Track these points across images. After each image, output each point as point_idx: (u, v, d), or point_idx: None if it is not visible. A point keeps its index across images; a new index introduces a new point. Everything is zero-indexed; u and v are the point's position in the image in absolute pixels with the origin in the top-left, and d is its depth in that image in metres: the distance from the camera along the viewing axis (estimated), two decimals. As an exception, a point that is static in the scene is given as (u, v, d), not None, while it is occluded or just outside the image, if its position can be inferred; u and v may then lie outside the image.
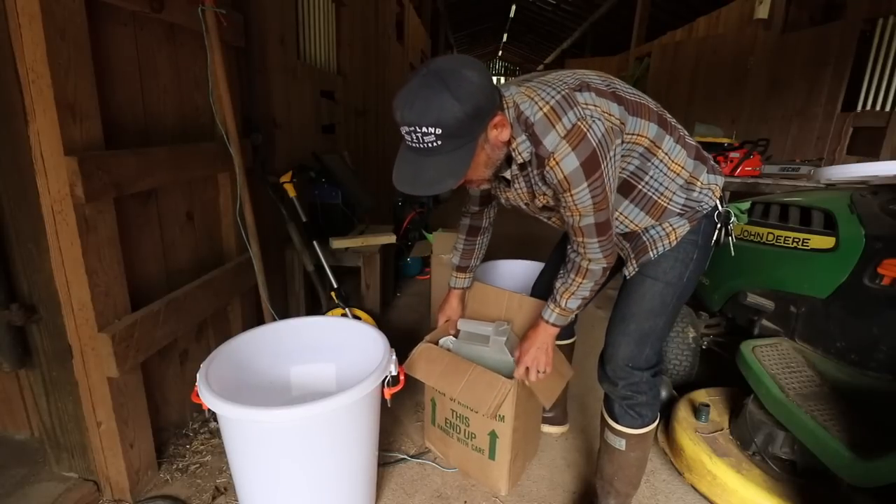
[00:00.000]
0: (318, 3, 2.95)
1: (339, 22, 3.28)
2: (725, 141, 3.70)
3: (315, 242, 2.20)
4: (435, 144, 0.92)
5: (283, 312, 2.42)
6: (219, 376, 1.21)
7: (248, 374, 1.38)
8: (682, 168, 1.12)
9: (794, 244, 1.63)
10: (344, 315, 2.15)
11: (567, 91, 0.99)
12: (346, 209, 2.62)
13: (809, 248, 1.58)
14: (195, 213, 1.74)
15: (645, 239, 1.19)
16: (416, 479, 1.59)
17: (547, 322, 1.28)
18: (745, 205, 1.29)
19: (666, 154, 1.10)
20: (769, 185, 2.79)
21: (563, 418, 1.85)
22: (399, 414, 1.91)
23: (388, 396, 1.27)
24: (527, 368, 1.32)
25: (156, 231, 1.55)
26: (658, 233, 1.17)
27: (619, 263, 1.28)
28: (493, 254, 3.15)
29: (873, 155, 4.26)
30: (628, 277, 1.25)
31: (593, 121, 0.96)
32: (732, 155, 3.19)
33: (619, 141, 1.02)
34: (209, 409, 1.11)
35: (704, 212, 1.17)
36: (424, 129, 0.90)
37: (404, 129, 0.93)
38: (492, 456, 1.49)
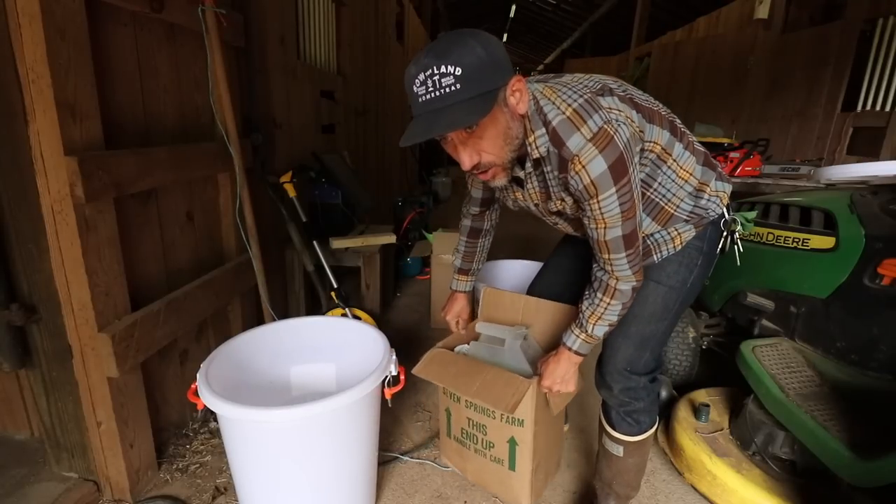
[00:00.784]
0: (318, 3, 2.95)
1: (339, 22, 3.28)
2: (725, 141, 3.71)
3: (315, 242, 2.20)
4: (453, 88, 0.83)
5: (283, 312, 2.42)
6: (219, 376, 1.21)
7: (248, 374, 1.38)
8: (691, 175, 1.09)
9: (795, 244, 1.63)
10: (344, 315, 2.15)
11: (590, 95, 0.95)
12: (346, 209, 2.62)
13: (809, 248, 1.58)
14: (195, 213, 1.74)
15: (649, 242, 1.16)
16: (416, 479, 1.59)
17: (570, 350, 1.19)
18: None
19: (675, 161, 1.07)
20: (769, 185, 2.79)
21: (564, 418, 1.85)
22: (399, 414, 1.91)
23: (388, 396, 1.27)
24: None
25: (156, 231, 1.55)
26: (663, 237, 1.15)
27: None
28: (493, 254, 3.16)
29: (873, 155, 4.27)
30: None
31: (619, 124, 0.92)
32: (732, 155, 3.19)
33: (639, 148, 0.99)
34: (205, 408, 1.11)
35: (711, 218, 1.15)
36: (443, 69, 0.82)
37: (419, 80, 0.85)
38: (511, 466, 1.41)
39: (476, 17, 15.29)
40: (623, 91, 1.02)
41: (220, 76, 1.68)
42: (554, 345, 1.29)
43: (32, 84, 1.10)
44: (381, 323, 2.52)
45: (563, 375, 1.22)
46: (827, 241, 1.53)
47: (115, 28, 1.34)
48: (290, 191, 2.13)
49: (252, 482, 1.18)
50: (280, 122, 2.32)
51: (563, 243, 1.52)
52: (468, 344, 1.56)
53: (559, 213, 1.15)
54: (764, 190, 2.76)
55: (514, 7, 14.09)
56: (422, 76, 0.85)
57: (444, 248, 2.71)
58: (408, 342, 2.58)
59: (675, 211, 1.11)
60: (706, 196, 1.12)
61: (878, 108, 4.38)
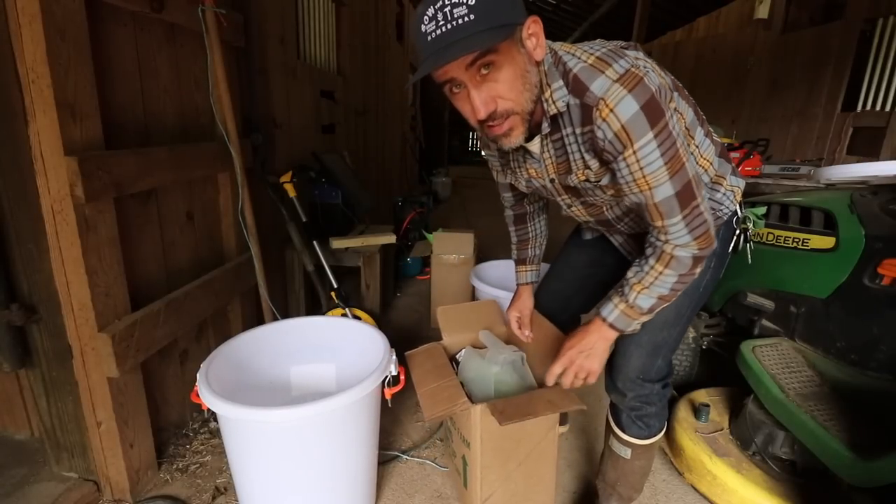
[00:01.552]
0: (318, 3, 2.95)
1: (339, 22, 3.28)
2: (725, 141, 3.71)
3: (315, 242, 2.20)
4: (467, 19, 0.75)
5: (283, 312, 2.41)
6: (219, 376, 1.21)
7: (248, 374, 1.38)
8: (710, 165, 1.04)
9: (794, 244, 1.63)
10: (344, 315, 2.15)
11: (614, 46, 0.88)
12: (346, 209, 2.62)
13: (809, 248, 1.58)
14: (195, 213, 1.74)
15: None
16: (416, 479, 1.59)
17: (604, 321, 1.03)
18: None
19: (697, 147, 1.00)
20: (769, 185, 2.79)
21: (564, 418, 1.85)
22: (399, 414, 1.91)
23: (388, 396, 1.27)
24: (564, 370, 1.10)
25: (156, 231, 1.55)
26: None
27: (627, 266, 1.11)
28: (496, 253, 3.16)
29: (873, 155, 4.27)
30: None
31: (647, 70, 0.83)
32: (732, 155, 3.19)
33: (673, 106, 0.88)
34: (209, 409, 1.11)
35: (724, 217, 1.11)
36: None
37: (428, 15, 0.78)
38: (464, 483, 1.37)
39: (476, 17, 15.23)
40: (647, 58, 0.95)
41: (220, 76, 1.68)
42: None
43: (32, 84, 1.10)
44: (381, 323, 2.52)
45: (589, 348, 1.06)
46: (827, 241, 1.53)
47: (115, 28, 1.34)
48: (290, 191, 2.13)
49: (252, 482, 1.18)
50: (280, 122, 2.32)
51: (571, 239, 1.45)
52: (471, 346, 1.56)
53: (575, 192, 1.05)
54: (764, 190, 2.76)
55: (514, 7, 14.06)
56: (431, 10, 0.77)
57: (444, 248, 2.71)
58: (408, 342, 2.56)
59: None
60: (722, 189, 1.08)
61: (878, 108, 4.38)
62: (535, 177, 1.07)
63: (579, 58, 0.86)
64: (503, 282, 2.51)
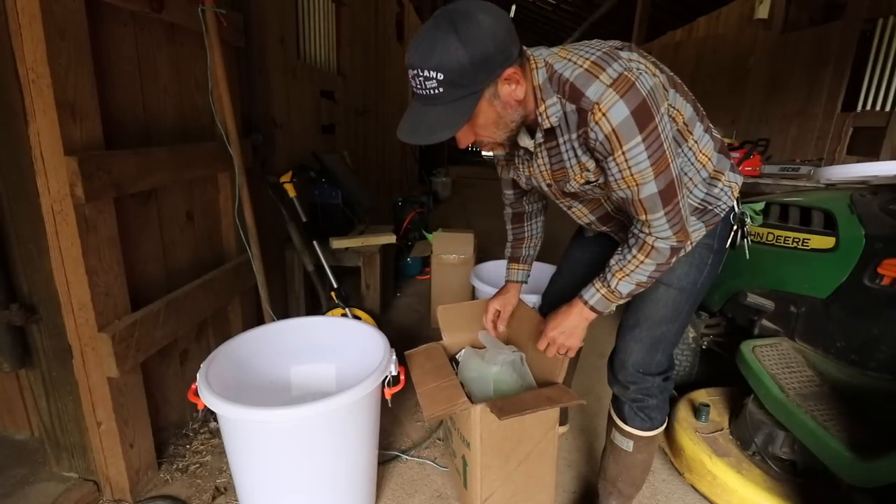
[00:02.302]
0: (318, 3, 2.95)
1: (339, 22, 3.28)
2: (725, 141, 3.71)
3: (315, 242, 2.20)
4: (436, 91, 0.86)
5: (283, 312, 2.42)
6: (219, 376, 1.21)
7: (248, 374, 1.38)
8: (709, 160, 1.07)
9: (794, 244, 1.63)
10: (344, 315, 2.15)
11: (608, 48, 0.92)
12: (346, 209, 2.62)
13: (809, 248, 1.58)
14: (195, 213, 1.74)
15: None
16: (416, 479, 1.59)
17: (585, 303, 1.12)
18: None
19: (696, 142, 1.04)
20: (769, 185, 2.79)
21: (564, 418, 1.85)
22: (399, 414, 1.91)
23: (388, 396, 1.27)
24: (548, 344, 1.21)
25: (156, 231, 1.55)
26: None
27: None
28: (494, 254, 3.16)
29: (873, 155, 4.27)
30: None
31: (640, 73, 0.88)
32: (732, 155, 3.19)
33: (665, 106, 0.92)
34: (205, 408, 1.11)
35: (721, 214, 1.13)
36: (426, 74, 0.85)
37: (410, 74, 0.88)
38: (464, 483, 1.37)
39: (476, 17, 15.24)
40: (644, 56, 0.98)
41: (220, 76, 1.68)
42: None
43: (32, 84, 1.10)
44: (381, 323, 2.52)
45: (570, 328, 1.16)
46: (827, 241, 1.53)
47: (115, 28, 1.34)
48: (290, 191, 2.13)
49: (252, 482, 1.18)
50: (280, 122, 2.32)
51: (575, 241, 1.48)
52: (470, 347, 1.56)
53: (573, 196, 1.10)
54: (764, 190, 2.76)
55: (513, 7, 14.08)
56: (411, 71, 0.88)
57: (444, 248, 2.71)
58: (408, 342, 2.56)
59: (687, 196, 1.07)
60: (720, 185, 1.10)
61: (878, 108, 4.38)
62: (535, 177, 1.13)
63: (575, 62, 0.92)
64: (503, 282, 2.51)
